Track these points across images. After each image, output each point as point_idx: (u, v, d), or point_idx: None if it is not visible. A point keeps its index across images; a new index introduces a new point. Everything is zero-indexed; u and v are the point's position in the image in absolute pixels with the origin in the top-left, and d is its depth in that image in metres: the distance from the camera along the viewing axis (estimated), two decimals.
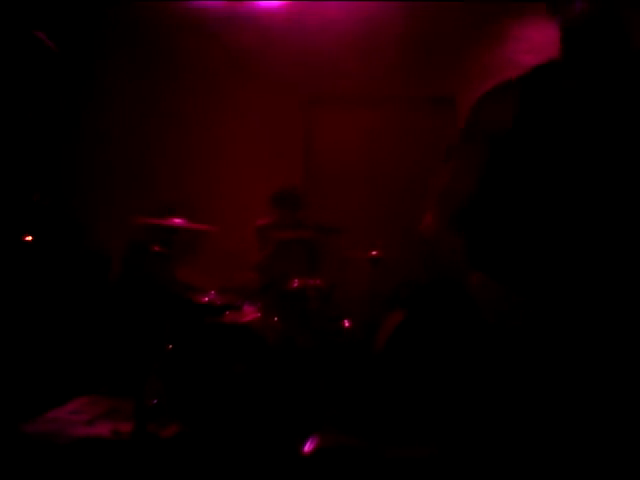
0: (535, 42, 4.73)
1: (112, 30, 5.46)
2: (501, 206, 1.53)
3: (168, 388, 3.46)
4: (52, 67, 4.07)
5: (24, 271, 4.17)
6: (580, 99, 1.46)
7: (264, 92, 5.37)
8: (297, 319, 3.99)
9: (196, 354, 3.56)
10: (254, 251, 4.66)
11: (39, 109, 4.58)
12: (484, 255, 1.53)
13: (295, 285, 4.06)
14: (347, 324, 4.17)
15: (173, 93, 5.51)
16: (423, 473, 2.65)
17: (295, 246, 4.44)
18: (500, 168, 1.52)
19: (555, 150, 1.45)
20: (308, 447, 3.04)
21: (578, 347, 1.39)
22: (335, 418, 3.52)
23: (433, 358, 1.59)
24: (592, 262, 1.41)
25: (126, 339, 4.27)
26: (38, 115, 4.55)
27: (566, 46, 1.49)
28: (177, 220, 3.76)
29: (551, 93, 1.48)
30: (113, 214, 5.00)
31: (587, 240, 1.41)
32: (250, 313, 3.94)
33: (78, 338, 4.30)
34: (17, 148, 4.27)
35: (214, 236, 4.56)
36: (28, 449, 3.04)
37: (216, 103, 5.49)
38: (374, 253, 4.29)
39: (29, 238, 3.66)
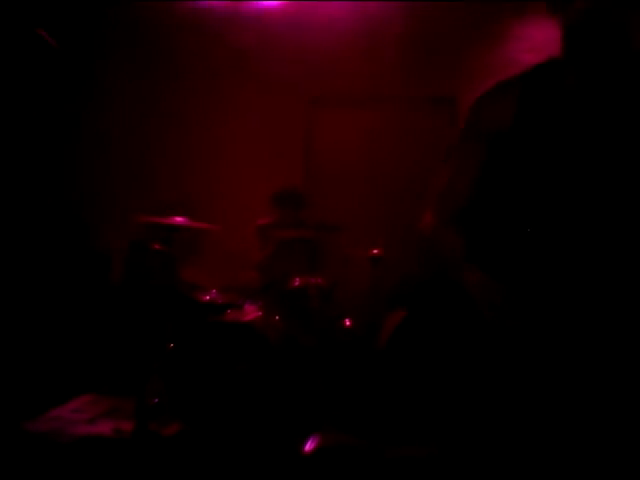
0: (536, 41, 4.73)
1: (112, 30, 5.46)
2: (500, 205, 1.54)
3: (169, 387, 3.47)
4: (53, 65, 4.08)
5: (26, 270, 4.18)
6: (580, 98, 1.46)
7: (265, 92, 5.37)
8: (298, 318, 3.99)
9: (197, 353, 3.57)
10: (255, 250, 4.67)
11: (40, 108, 4.59)
12: (482, 254, 1.53)
13: (296, 284, 4.06)
14: (348, 323, 4.18)
15: (174, 93, 5.51)
16: (423, 473, 2.65)
17: (296, 245, 4.44)
18: (499, 167, 1.52)
19: (554, 149, 1.45)
20: (309, 446, 3.04)
21: (576, 344, 1.39)
22: (336, 417, 3.52)
23: (434, 357, 1.59)
24: (591, 261, 1.41)
25: (127, 338, 4.28)
26: (40, 114, 4.56)
27: (567, 45, 1.49)
28: (178, 219, 3.77)
29: (551, 92, 1.49)
30: (114, 213, 5.01)
31: (586, 239, 1.42)
32: (251, 312, 3.94)
33: (79, 337, 4.31)
34: (18, 147, 4.28)
35: (215, 235, 4.56)
36: (30, 447, 3.05)
37: (217, 103, 5.50)
38: (375, 252, 4.29)
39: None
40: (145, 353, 3.64)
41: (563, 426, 1.39)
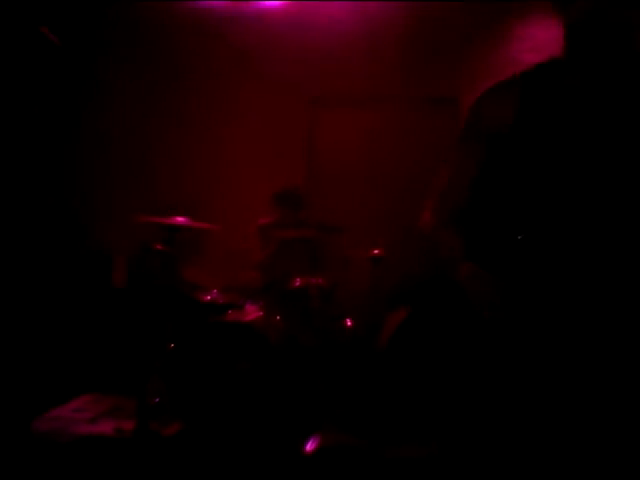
0: (538, 41, 4.72)
1: (114, 29, 5.46)
2: (500, 204, 1.54)
3: (170, 387, 3.47)
4: (55, 63, 4.07)
5: (26, 270, 4.18)
6: (581, 97, 1.46)
7: (266, 92, 5.37)
8: (299, 318, 3.99)
9: (198, 353, 3.57)
10: (256, 250, 4.67)
11: (41, 107, 4.59)
12: (481, 253, 1.54)
13: (297, 284, 4.06)
14: (349, 323, 4.17)
15: (175, 93, 5.51)
16: (423, 473, 2.66)
17: (297, 245, 4.44)
18: (499, 166, 1.52)
19: (555, 148, 1.45)
20: (310, 446, 3.04)
21: (573, 343, 1.39)
22: (336, 417, 3.52)
23: (435, 356, 1.59)
24: (590, 261, 1.41)
25: (128, 337, 4.28)
26: (40, 112, 4.56)
27: (569, 44, 1.50)
28: (179, 219, 3.77)
29: (552, 90, 1.49)
30: (114, 213, 5.01)
31: (586, 238, 1.42)
32: (252, 312, 3.94)
33: (80, 337, 4.31)
34: (18, 146, 4.27)
35: (217, 235, 4.56)
36: (31, 447, 3.05)
37: (218, 102, 5.50)
38: (376, 252, 4.29)
39: None
40: (146, 353, 3.64)
41: (562, 425, 1.39)
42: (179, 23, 5.44)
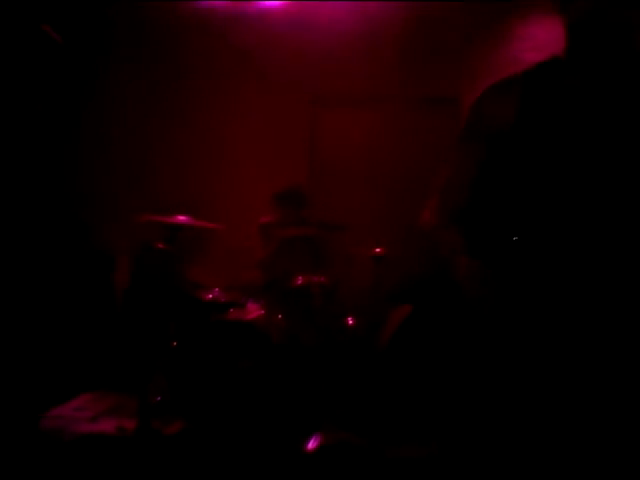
0: (540, 40, 4.72)
1: (115, 29, 5.46)
2: (500, 203, 1.54)
3: (172, 385, 3.47)
4: (58, 62, 4.07)
5: (28, 270, 4.18)
6: (582, 96, 1.46)
7: (267, 92, 5.37)
8: (301, 316, 3.99)
9: (200, 351, 3.57)
10: (258, 249, 4.67)
11: (43, 106, 4.59)
12: (482, 251, 1.54)
13: (299, 283, 4.06)
14: (351, 322, 4.17)
15: (176, 92, 5.51)
16: (423, 472, 2.66)
17: (299, 244, 4.44)
18: (500, 165, 1.52)
19: (556, 147, 1.45)
20: (311, 445, 3.05)
21: (574, 340, 1.39)
22: (337, 416, 3.52)
23: (436, 355, 1.59)
24: (590, 260, 1.41)
25: (130, 336, 4.29)
26: (42, 111, 4.56)
27: (570, 43, 1.50)
28: (181, 218, 3.77)
29: (553, 90, 1.49)
30: (116, 213, 5.01)
31: (586, 237, 1.41)
32: (254, 310, 3.94)
33: (82, 335, 4.32)
34: (19, 145, 4.28)
35: (219, 234, 4.56)
36: (32, 445, 3.06)
37: (219, 102, 5.50)
38: (378, 251, 4.29)
39: None
40: (148, 351, 3.64)
41: (562, 424, 1.39)
42: (181, 23, 5.44)
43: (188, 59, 5.48)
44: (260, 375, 3.51)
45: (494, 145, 1.52)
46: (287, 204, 4.57)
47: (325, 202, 5.14)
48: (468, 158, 1.59)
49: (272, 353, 3.59)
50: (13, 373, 3.59)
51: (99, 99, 5.40)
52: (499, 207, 1.54)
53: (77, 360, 4.08)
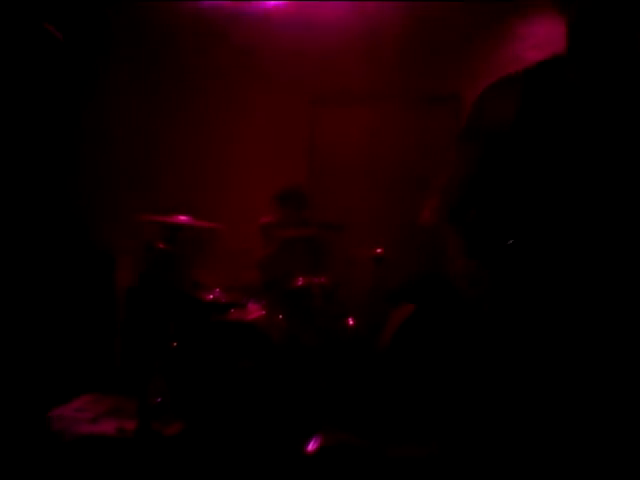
0: (541, 39, 4.71)
1: (117, 29, 5.47)
2: (500, 201, 1.53)
3: (172, 386, 3.47)
4: (59, 60, 4.07)
5: (29, 270, 4.18)
6: (583, 94, 1.46)
7: (268, 91, 5.37)
8: (301, 317, 3.99)
9: (200, 352, 3.57)
10: (258, 250, 4.66)
11: (44, 105, 4.59)
12: (481, 250, 1.53)
13: (299, 283, 4.05)
14: (351, 322, 4.17)
15: (178, 92, 5.51)
16: (424, 473, 2.65)
17: (299, 244, 4.44)
18: (501, 162, 1.52)
19: (556, 145, 1.45)
20: (311, 446, 3.04)
21: (573, 340, 1.39)
22: (338, 417, 3.51)
23: (437, 355, 1.59)
24: (589, 259, 1.40)
25: (131, 337, 4.28)
26: (43, 111, 4.56)
27: (571, 42, 1.49)
28: (182, 218, 3.77)
29: (554, 88, 1.48)
30: (118, 213, 5.01)
31: (586, 236, 1.41)
32: (255, 311, 3.94)
33: (82, 336, 4.31)
34: (20, 145, 4.28)
35: (219, 235, 4.57)
36: (32, 446, 3.05)
37: (219, 102, 5.50)
38: (378, 251, 4.28)
39: None
40: (148, 352, 3.64)
41: (562, 424, 1.39)
42: (182, 23, 5.44)
43: (188, 59, 5.48)
44: (260, 376, 3.50)
45: (494, 143, 1.52)
46: (287, 204, 4.57)
47: (325, 202, 5.13)
48: (468, 157, 1.59)
49: (272, 354, 3.59)
50: (13, 373, 3.59)
51: (100, 99, 5.40)
52: (499, 206, 1.53)
53: (77, 360, 4.08)
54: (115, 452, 3.07)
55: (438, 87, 5.27)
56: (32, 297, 4.12)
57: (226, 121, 5.46)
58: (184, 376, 3.51)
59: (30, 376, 3.68)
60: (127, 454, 3.04)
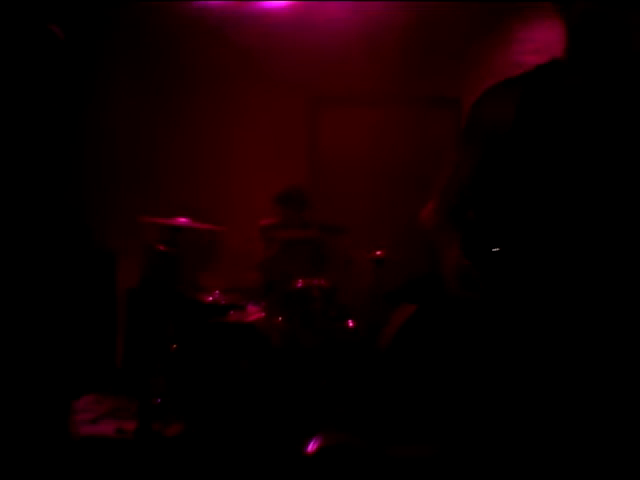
0: (540, 42, 4.73)
1: (117, 29, 5.47)
2: (499, 202, 1.54)
3: (172, 387, 3.47)
4: (60, 59, 4.07)
5: (29, 270, 4.18)
6: (582, 98, 1.46)
7: (268, 92, 5.37)
8: (301, 319, 3.99)
9: (200, 353, 3.57)
10: (259, 251, 4.67)
11: (45, 105, 4.59)
12: (479, 252, 1.54)
13: (299, 285, 4.06)
14: (351, 324, 4.17)
15: (179, 93, 5.52)
16: (424, 473, 2.65)
17: (299, 246, 4.44)
18: (500, 165, 1.53)
19: (555, 148, 1.45)
20: (311, 447, 3.04)
21: (573, 343, 1.40)
22: (338, 417, 3.52)
23: (437, 355, 1.60)
24: (589, 260, 1.41)
25: (131, 338, 4.29)
26: (44, 111, 4.56)
27: (570, 45, 1.50)
28: (182, 219, 3.77)
29: (553, 91, 1.49)
30: (119, 214, 5.01)
31: (585, 238, 1.42)
32: (254, 313, 3.95)
33: (83, 337, 4.31)
34: (21, 145, 4.28)
35: (219, 236, 4.57)
36: (31, 447, 3.05)
37: (220, 102, 5.50)
38: (378, 253, 4.29)
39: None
40: (148, 353, 3.64)
41: (562, 424, 1.39)
42: (183, 24, 5.44)
43: (188, 59, 5.48)
44: (260, 377, 3.51)
45: (493, 147, 1.53)
46: (288, 206, 4.57)
47: (325, 204, 5.14)
48: (467, 159, 1.60)
49: (272, 355, 3.59)
50: (14, 374, 3.59)
51: (101, 99, 5.40)
52: (496, 208, 1.54)
53: (78, 361, 4.08)
54: (115, 453, 3.07)
55: (439, 88, 5.29)
56: (32, 297, 4.11)
57: (227, 122, 5.47)
58: (184, 377, 3.51)
59: (30, 376, 3.68)
60: (127, 455, 3.04)
